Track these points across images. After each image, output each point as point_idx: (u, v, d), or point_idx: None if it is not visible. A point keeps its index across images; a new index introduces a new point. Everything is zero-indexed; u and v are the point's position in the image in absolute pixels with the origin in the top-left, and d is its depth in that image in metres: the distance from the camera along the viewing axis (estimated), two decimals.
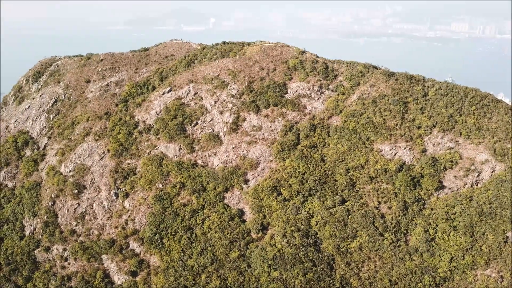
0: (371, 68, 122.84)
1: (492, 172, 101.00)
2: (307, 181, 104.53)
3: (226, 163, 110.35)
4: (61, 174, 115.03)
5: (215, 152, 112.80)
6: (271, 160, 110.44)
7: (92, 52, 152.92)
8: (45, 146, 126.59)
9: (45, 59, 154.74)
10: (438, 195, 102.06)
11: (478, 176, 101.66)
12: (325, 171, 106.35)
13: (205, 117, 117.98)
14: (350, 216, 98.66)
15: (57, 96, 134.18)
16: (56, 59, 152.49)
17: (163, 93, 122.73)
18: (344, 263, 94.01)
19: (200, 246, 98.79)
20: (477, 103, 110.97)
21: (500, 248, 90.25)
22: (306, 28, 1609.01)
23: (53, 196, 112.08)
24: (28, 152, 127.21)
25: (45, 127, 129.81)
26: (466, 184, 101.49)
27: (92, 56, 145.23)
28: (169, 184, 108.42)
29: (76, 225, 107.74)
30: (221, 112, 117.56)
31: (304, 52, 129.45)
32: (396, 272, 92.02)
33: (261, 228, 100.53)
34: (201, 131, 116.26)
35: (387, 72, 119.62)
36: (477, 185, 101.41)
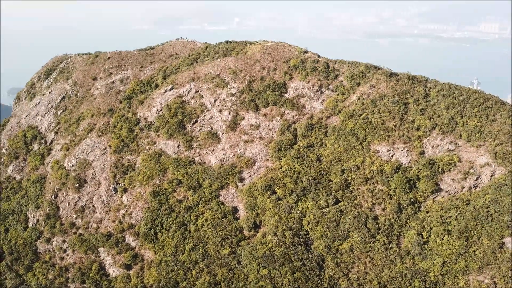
0: (372, 68, 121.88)
1: (492, 176, 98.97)
2: (301, 181, 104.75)
3: (223, 161, 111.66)
4: (65, 168, 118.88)
5: (213, 150, 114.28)
6: (267, 159, 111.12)
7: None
8: (51, 141, 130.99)
9: (57, 57, 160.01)
10: (434, 198, 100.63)
11: (477, 179, 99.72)
12: (320, 171, 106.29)
13: (204, 115, 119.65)
14: (342, 217, 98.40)
15: (65, 93, 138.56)
16: (67, 57, 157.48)
17: (165, 91, 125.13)
18: (334, 263, 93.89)
19: (193, 242, 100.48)
20: (479, 105, 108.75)
21: (495, 253, 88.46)
22: (329, 29, 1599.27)
23: (55, 189, 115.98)
24: (36, 147, 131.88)
25: (52, 122, 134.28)
26: (464, 187, 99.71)
27: (100, 54, 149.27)
28: (166, 180, 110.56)
29: (76, 218, 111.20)
30: (220, 111, 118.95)
31: (306, 52, 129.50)
32: (386, 274, 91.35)
33: (253, 226, 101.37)
34: (200, 129, 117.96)
35: (388, 73, 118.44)
36: (475, 188, 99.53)
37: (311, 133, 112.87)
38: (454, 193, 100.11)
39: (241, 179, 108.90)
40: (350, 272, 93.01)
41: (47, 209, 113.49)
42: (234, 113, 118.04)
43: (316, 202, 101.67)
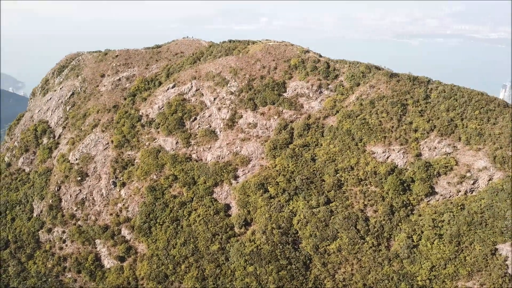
0: (373, 68, 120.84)
1: (489, 180, 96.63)
2: (294, 180, 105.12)
3: (219, 159, 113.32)
4: (69, 161, 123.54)
5: (210, 147, 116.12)
6: (263, 158, 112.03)
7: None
8: (59, 135, 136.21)
9: (70, 54, 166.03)
10: (428, 201, 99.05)
11: (473, 183, 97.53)
12: (314, 170, 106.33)
13: (203, 113, 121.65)
14: (332, 217, 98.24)
15: (74, 89, 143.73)
16: (79, 54, 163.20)
17: (167, 89, 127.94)
18: (321, 263, 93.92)
19: (184, 237, 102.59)
20: (481, 108, 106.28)
21: (486, 260, 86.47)
22: (357, 29, 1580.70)
23: (59, 182, 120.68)
24: (45, 140, 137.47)
25: (61, 117, 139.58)
26: (460, 191, 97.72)
27: (109, 52, 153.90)
28: (163, 176, 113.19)
29: (76, 210, 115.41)
30: (219, 109, 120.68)
31: (307, 52, 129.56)
32: (372, 276, 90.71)
33: (244, 223, 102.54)
34: (199, 127, 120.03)
35: (388, 73, 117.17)
36: (471, 193, 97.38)
37: (308, 132, 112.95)
38: (449, 197, 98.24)
39: (236, 177, 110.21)
40: (337, 273, 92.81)
41: (50, 201, 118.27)
42: (233, 112, 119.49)
43: (308, 202, 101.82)
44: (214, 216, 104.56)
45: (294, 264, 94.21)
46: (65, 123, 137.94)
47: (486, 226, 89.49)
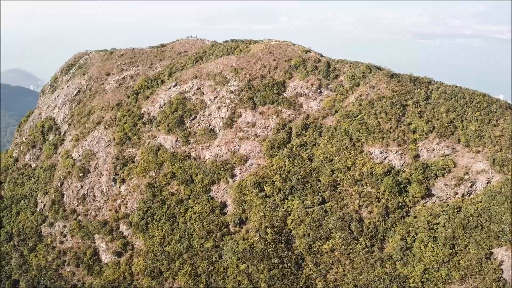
0: (374, 68, 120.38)
1: (488, 183, 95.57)
2: (290, 180, 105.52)
3: (217, 157, 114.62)
4: (72, 158, 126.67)
5: (209, 146, 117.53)
6: (260, 157, 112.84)
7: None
8: (65, 132, 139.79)
9: (78, 53, 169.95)
10: (425, 203, 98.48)
11: (471, 186, 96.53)
12: (310, 170, 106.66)
13: (204, 112, 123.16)
14: (326, 217, 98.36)
15: (81, 87, 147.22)
16: (87, 53, 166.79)
17: (169, 87, 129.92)
18: (313, 263, 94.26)
19: (179, 234, 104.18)
20: (482, 109, 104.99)
21: (481, 264, 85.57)
22: (377, 29, 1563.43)
23: (62, 177, 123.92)
24: (51, 137, 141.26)
25: (67, 114, 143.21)
26: (457, 194, 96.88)
27: (114, 51, 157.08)
28: (162, 173, 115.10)
29: (77, 205, 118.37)
30: (219, 108, 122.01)
31: (308, 51, 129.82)
32: (364, 277, 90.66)
33: (239, 221, 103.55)
34: (199, 125, 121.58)
35: (389, 73, 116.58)
36: (469, 195, 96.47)
37: (306, 132, 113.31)
38: (446, 199, 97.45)
39: (233, 175, 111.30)
40: (328, 273, 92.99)
41: (53, 196, 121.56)
42: (232, 111, 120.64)
43: (303, 202, 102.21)
44: (210, 214, 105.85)
45: (286, 263, 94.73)
46: (70, 120, 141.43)
47: (482, 229, 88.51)
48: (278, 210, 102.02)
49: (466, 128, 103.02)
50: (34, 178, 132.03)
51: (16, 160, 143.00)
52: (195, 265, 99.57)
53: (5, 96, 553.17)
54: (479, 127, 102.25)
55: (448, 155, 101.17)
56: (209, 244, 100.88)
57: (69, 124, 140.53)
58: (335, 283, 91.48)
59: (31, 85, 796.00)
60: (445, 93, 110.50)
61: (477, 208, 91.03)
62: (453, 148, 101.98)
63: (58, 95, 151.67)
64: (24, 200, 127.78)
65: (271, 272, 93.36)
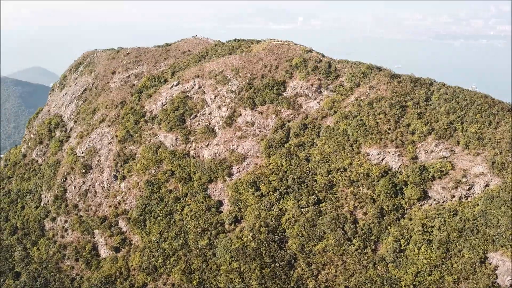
0: (374, 69, 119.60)
1: (486, 186, 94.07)
2: (286, 179, 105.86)
3: (215, 156, 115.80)
4: (76, 154, 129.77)
5: (208, 145, 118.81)
6: (258, 156, 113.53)
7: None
8: (71, 129, 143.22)
9: (87, 52, 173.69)
10: (421, 205, 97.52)
11: (469, 189, 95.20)
12: (307, 170, 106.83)
13: (204, 111, 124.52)
14: (320, 218, 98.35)
15: (87, 85, 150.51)
16: (95, 52, 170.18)
17: (172, 86, 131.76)
18: (305, 263, 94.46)
19: (175, 231, 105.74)
20: (483, 111, 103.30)
21: (475, 268, 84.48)
22: (398, 29, 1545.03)
23: (65, 173, 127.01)
24: (57, 133, 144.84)
25: (74, 112, 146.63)
26: (454, 196, 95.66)
27: (121, 50, 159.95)
28: (161, 171, 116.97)
29: (79, 201, 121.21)
30: (219, 107, 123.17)
31: (310, 51, 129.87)
32: (355, 279, 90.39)
33: (234, 220, 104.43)
34: (199, 124, 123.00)
35: (389, 74, 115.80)
36: (466, 198, 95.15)
37: (304, 132, 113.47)
38: (443, 202, 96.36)
39: (230, 174, 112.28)
40: (320, 274, 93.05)
41: (56, 191, 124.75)
42: (232, 110, 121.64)
43: (298, 201, 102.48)
44: (206, 212, 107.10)
45: (278, 263, 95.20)
46: (76, 117, 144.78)
47: (478, 233, 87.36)
48: (273, 210, 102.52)
49: (466, 130, 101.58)
50: (40, 173, 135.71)
51: (24, 155, 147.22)
52: (189, 262, 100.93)
53: (26, 94, 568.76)
54: (479, 129, 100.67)
55: (446, 157, 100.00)
56: (204, 241, 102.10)
57: (75, 121, 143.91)
58: (326, 284, 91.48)
59: (51, 83, 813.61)
60: (446, 94, 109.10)
61: (474, 211, 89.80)
62: (452, 150, 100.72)
63: (66, 93, 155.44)
64: (30, 195, 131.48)
65: (263, 271, 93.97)
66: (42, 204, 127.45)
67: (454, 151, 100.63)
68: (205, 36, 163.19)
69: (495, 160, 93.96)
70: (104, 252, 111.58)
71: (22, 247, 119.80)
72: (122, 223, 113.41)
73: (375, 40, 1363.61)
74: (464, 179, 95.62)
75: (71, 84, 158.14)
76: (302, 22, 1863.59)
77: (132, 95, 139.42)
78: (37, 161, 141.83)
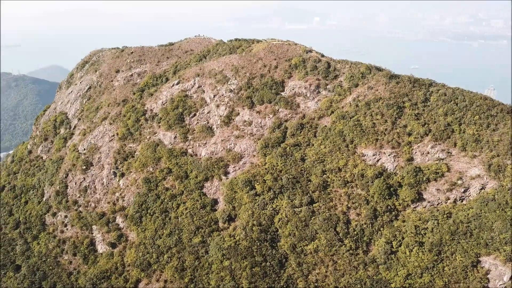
0: (374, 69, 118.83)
1: (481, 189, 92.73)
2: (281, 179, 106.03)
3: (212, 154, 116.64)
4: (78, 151, 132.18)
5: (205, 143, 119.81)
6: (254, 155, 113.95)
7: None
8: (75, 126, 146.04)
9: (94, 51, 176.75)
10: (415, 207, 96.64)
11: (464, 192, 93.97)
12: (302, 170, 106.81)
13: (203, 109, 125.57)
14: (313, 218, 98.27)
15: (92, 83, 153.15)
16: (102, 51, 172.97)
17: (172, 85, 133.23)
18: (296, 263, 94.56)
19: (170, 228, 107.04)
20: (482, 113, 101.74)
21: (466, 272, 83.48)
22: (414, 29, 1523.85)
23: (67, 169, 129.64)
24: (62, 130, 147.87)
25: (78, 109, 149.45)
26: (449, 199, 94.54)
27: (125, 49, 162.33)
28: (159, 168, 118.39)
29: (79, 197, 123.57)
30: (217, 106, 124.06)
31: (310, 51, 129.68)
32: (345, 280, 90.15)
33: (227, 218, 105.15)
34: (197, 123, 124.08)
35: (388, 74, 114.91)
36: (461, 201, 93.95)
37: (300, 132, 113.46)
38: (437, 204, 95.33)
39: (226, 173, 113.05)
40: (310, 274, 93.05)
41: (58, 187, 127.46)
42: (230, 109, 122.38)
43: (291, 201, 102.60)
44: (201, 210, 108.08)
45: (269, 262, 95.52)
46: (80, 115, 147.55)
47: (471, 236, 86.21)
48: (266, 209, 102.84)
49: (464, 132, 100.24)
50: (44, 169, 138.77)
51: (30, 152, 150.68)
52: (182, 259, 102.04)
53: (43, 91, 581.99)
54: (477, 131, 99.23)
55: (442, 159, 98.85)
56: (197, 239, 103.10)
57: (79, 119, 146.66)
58: (316, 284, 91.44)
59: None
60: (445, 95, 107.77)
61: (468, 214, 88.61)
62: (449, 152, 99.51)
63: (71, 91, 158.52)
64: (33, 190, 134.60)
65: (253, 269, 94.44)
66: (44, 199, 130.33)
67: (451, 153, 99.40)
68: (209, 35, 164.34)
69: (492, 163, 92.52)
70: (101, 248, 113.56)
71: (23, 241, 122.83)
72: (119, 220, 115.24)
73: (391, 41, 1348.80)
74: (459, 182, 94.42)
75: (77, 82, 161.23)
76: (318, 22, 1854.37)
77: (134, 94, 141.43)
78: (41, 157, 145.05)
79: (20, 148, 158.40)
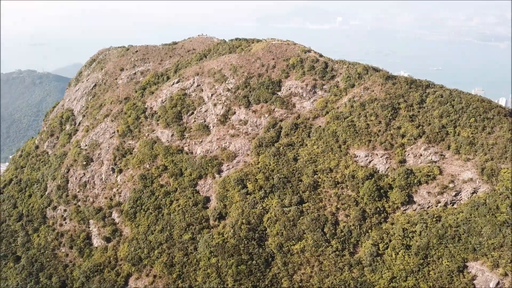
0: (371, 70, 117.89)
1: (473, 193, 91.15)
2: (273, 178, 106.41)
3: (207, 153, 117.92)
4: (80, 147, 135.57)
5: (201, 141, 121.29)
6: (248, 154, 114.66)
7: None
8: (79, 123, 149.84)
9: (102, 49, 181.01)
10: (405, 210, 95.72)
11: (456, 195, 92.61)
12: (293, 170, 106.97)
13: (201, 108, 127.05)
14: (301, 218, 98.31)
15: (97, 81, 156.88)
16: (109, 49, 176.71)
17: (173, 84, 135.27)
18: (282, 262, 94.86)
19: (162, 225, 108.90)
20: (478, 115, 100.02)
21: (452, 276, 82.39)
22: (440, 30, 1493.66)
23: (69, 165, 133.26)
24: (67, 127, 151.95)
25: (83, 106, 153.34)
26: (440, 202, 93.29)
27: (130, 48, 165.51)
28: (155, 165, 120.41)
29: (78, 191, 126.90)
30: (215, 105, 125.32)
31: (308, 51, 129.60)
32: (329, 280, 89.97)
33: (218, 216, 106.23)
34: (195, 121, 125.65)
35: (384, 75, 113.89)
36: (452, 205, 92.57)
37: (295, 132, 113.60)
38: (428, 207, 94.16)
39: (219, 171, 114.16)
40: (296, 273, 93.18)
41: (59, 181, 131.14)
42: (227, 108, 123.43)
43: (282, 200, 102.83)
44: (193, 207, 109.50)
45: (256, 260, 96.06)
46: (85, 112, 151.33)
47: (459, 241, 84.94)
48: (256, 208, 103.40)
49: (458, 134, 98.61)
50: (48, 164, 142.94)
51: (37, 147, 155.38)
52: (171, 255, 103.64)
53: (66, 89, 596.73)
54: (472, 134, 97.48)
55: (435, 162, 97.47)
56: (187, 236, 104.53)
57: (83, 116, 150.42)
58: (300, 284, 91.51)
59: None
60: (441, 97, 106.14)
61: (457, 218, 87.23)
62: (442, 155, 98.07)
63: (78, 88, 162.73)
64: (37, 184, 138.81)
65: (239, 267, 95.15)
66: (46, 193, 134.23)
67: (444, 156, 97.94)
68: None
69: (485, 167, 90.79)
70: (96, 242, 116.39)
71: (24, 233, 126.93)
72: (115, 215, 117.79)
73: (416, 41, 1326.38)
74: (451, 185, 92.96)
75: (84, 80, 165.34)
76: (341, 22, 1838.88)
77: (136, 92, 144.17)
78: (47, 152, 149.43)
79: (28, 143, 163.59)
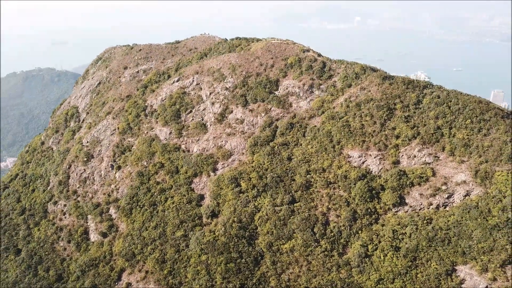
0: (368, 70, 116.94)
1: (466, 196, 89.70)
2: (266, 177, 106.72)
3: (203, 151, 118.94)
4: (82, 144, 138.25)
5: (198, 140, 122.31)
6: (243, 153, 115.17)
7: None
8: (83, 120, 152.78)
9: (108, 48, 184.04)
10: (396, 211, 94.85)
11: (448, 198, 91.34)
12: (287, 169, 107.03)
13: (199, 107, 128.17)
14: (292, 217, 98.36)
15: (101, 79, 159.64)
16: (114, 48, 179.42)
17: (173, 82, 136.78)
18: (271, 261, 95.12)
19: (156, 221, 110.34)
20: (474, 117, 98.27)
21: (439, 280, 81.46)
22: (460, 30, 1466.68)
23: (70, 161, 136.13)
24: (72, 124, 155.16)
25: (87, 104, 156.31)
26: (432, 204, 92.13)
27: (134, 46, 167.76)
28: (152, 163, 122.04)
29: (78, 187, 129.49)
30: (213, 103, 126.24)
31: (307, 51, 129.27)
32: (317, 280, 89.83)
33: (211, 214, 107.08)
34: (192, 119, 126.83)
35: (381, 75, 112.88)
36: (444, 207, 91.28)
37: (290, 131, 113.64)
38: (419, 209, 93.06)
39: (215, 170, 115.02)
40: (284, 273, 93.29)
41: (61, 177, 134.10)
42: (224, 107, 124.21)
43: (274, 200, 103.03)
44: (187, 204, 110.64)
45: (245, 259, 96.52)
46: (89, 109, 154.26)
47: (449, 244, 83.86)
48: (248, 206, 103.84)
49: (453, 136, 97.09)
50: (52, 160, 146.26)
51: (43, 143, 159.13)
52: (164, 251, 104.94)
53: None
54: (468, 135, 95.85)
55: (429, 163, 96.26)
56: (180, 233, 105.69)
57: (87, 113, 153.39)
58: (287, 283, 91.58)
59: None
60: (438, 98, 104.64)
61: (448, 221, 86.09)
62: (436, 157, 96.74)
63: (84, 86, 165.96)
64: (40, 179, 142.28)
65: (228, 265, 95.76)
66: (48, 188, 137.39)
67: (438, 157, 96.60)
68: (213, 34, 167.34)
69: (479, 169, 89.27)
70: (93, 237, 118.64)
71: (26, 226, 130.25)
72: (112, 210, 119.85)
73: (436, 41, 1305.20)
74: (444, 187, 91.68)
75: (89, 78, 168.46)
76: (359, 21, 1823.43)
77: (138, 90, 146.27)
78: (52, 148, 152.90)
79: (35, 139, 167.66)
